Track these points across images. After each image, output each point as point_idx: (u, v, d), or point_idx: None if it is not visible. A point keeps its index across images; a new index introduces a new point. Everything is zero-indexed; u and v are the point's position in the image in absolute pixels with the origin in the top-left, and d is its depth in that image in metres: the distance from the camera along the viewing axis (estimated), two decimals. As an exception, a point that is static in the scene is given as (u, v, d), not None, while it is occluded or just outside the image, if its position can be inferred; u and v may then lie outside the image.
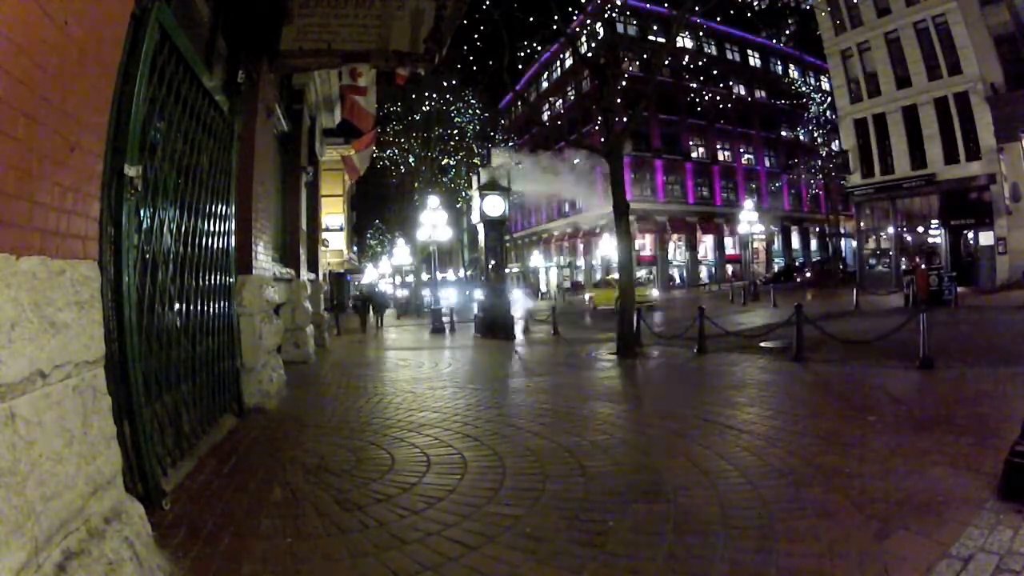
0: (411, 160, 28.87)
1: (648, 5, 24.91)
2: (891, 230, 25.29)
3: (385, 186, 33.81)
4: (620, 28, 24.96)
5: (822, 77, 39.53)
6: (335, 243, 20.65)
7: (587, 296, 25.75)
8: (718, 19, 33.97)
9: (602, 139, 9.64)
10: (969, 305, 14.71)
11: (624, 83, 13.16)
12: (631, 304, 8.92)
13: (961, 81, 21.40)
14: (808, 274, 32.77)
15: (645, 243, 38.90)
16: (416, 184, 28.65)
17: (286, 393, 5.85)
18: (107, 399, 2.07)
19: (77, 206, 1.95)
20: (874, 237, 26.82)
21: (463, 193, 30.20)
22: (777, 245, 44.60)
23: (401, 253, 34.11)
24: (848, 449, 3.46)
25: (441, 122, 28.55)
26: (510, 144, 35.22)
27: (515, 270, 51.62)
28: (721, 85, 38.11)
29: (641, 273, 34.64)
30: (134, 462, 2.53)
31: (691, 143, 40.52)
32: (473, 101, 29.79)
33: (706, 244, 41.75)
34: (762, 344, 8.87)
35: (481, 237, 13.32)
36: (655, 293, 24.84)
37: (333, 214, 19.92)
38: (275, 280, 6.39)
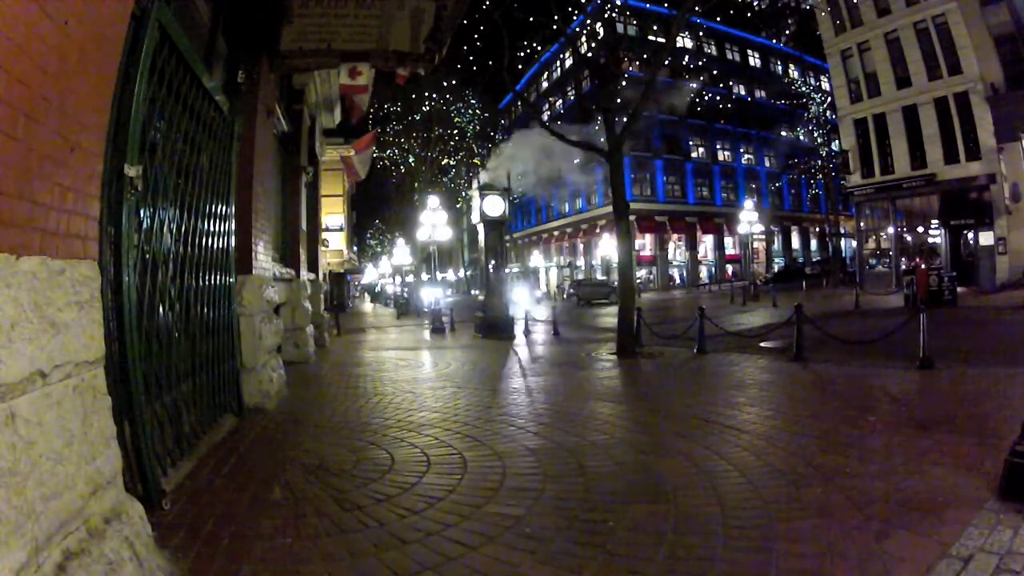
0: (411, 160, 28.88)
1: (648, 5, 24.94)
2: (891, 230, 25.30)
3: (385, 186, 33.83)
4: (620, 28, 24.97)
5: (822, 77, 39.58)
6: (335, 243, 20.68)
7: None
8: (718, 19, 34.08)
9: (602, 139, 9.64)
10: (969, 305, 14.72)
11: (624, 83, 13.16)
12: (631, 304, 8.92)
13: (961, 81, 21.40)
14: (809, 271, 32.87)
15: (645, 243, 38.93)
16: (416, 184, 28.66)
17: (286, 393, 5.85)
18: (107, 399, 2.08)
19: (77, 206, 1.95)
20: (874, 237, 26.83)
21: (463, 193, 30.23)
22: (777, 245, 44.63)
23: (401, 253, 34.13)
24: (848, 449, 3.46)
25: (441, 122, 28.56)
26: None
27: (515, 270, 51.65)
28: (721, 85, 38.14)
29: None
30: (134, 462, 2.53)
31: (691, 143, 40.54)
32: (473, 101, 29.79)
33: (706, 244, 41.78)
34: (762, 344, 8.88)
35: (481, 237, 13.32)
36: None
37: (333, 214, 19.95)
38: (275, 280, 6.39)
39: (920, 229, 24.55)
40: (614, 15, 15.34)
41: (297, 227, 8.94)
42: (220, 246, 4.31)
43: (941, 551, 2.15)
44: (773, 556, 2.21)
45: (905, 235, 25.19)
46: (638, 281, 33.22)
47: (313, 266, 10.64)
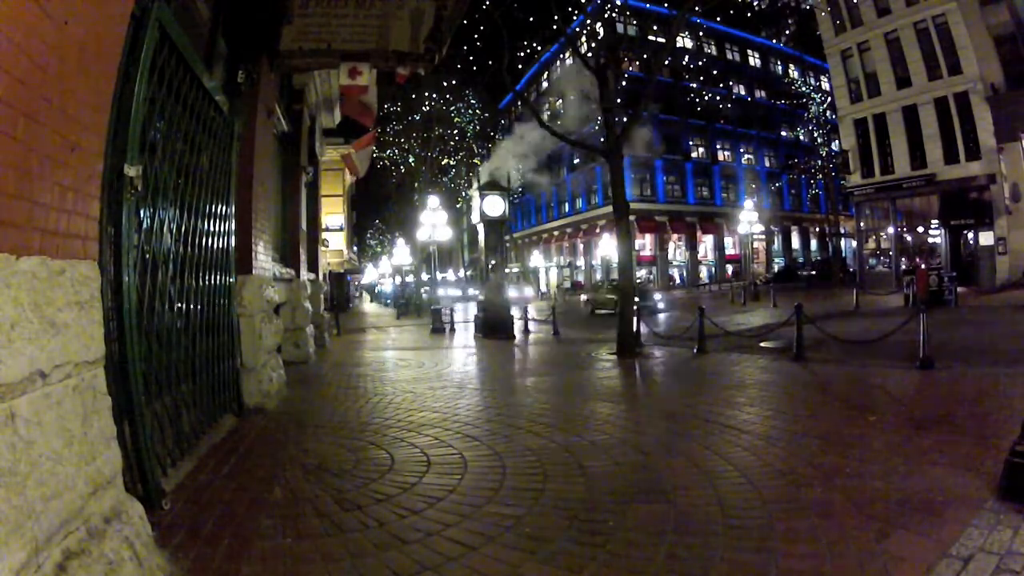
0: (411, 160, 28.88)
1: (648, 5, 24.94)
2: (891, 230, 25.30)
3: (385, 186, 33.82)
4: (620, 28, 24.94)
5: (822, 77, 39.57)
6: (335, 243, 20.67)
7: (583, 297, 23.71)
8: (718, 19, 34.08)
9: (602, 139, 9.65)
10: (969, 305, 14.71)
11: (624, 83, 13.17)
12: (631, 304, 8.93)
13: (961, 81, 21.40)
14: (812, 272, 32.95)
15: (645, 243, 38.92)
16: (416, 184, 28.67)
17: (286, 393, 5.85)
18: (107, 399, 2.07)
19: (77, 206, 1.96)
20: (874, 237, 26.82)
21: (463, 193, 30.25)
22: (777, 245, 44.62)
23: (401, 253, 34.13)
24: (848, 449, 3.46)
25: (441, 122, 28.56)
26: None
27: (515, 270, 51.62)
28: (721, 85, 38.13)
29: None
30: (134, 462, 2.53)
31: (691, 143, 40.54)
32: (473, 101, 29.79)
33: (706, 244, 41.77)
34: (762, 344, 8.88)
35: (481, 237, 13.33)
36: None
37: (333, 214, 19.95)
38: (275, 280, 6.39)
39: (920, 229, 24.55)
40: (614, 15, 15.32)
41: (297, 227, 8.94)
42: (220, 246, 4.31)
43: (941, 551, 2.16)
44: (773, 556, 2.21)
45: (905, 235, 25.19)
46: (638, 281, 33.27)
47: (313, 266, 10.64)
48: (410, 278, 34.91)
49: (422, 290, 29.31)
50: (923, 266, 16.91)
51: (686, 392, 5.71)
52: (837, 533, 2.36)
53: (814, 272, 32.76)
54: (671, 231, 39.18)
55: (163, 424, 3.09)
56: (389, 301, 36.16)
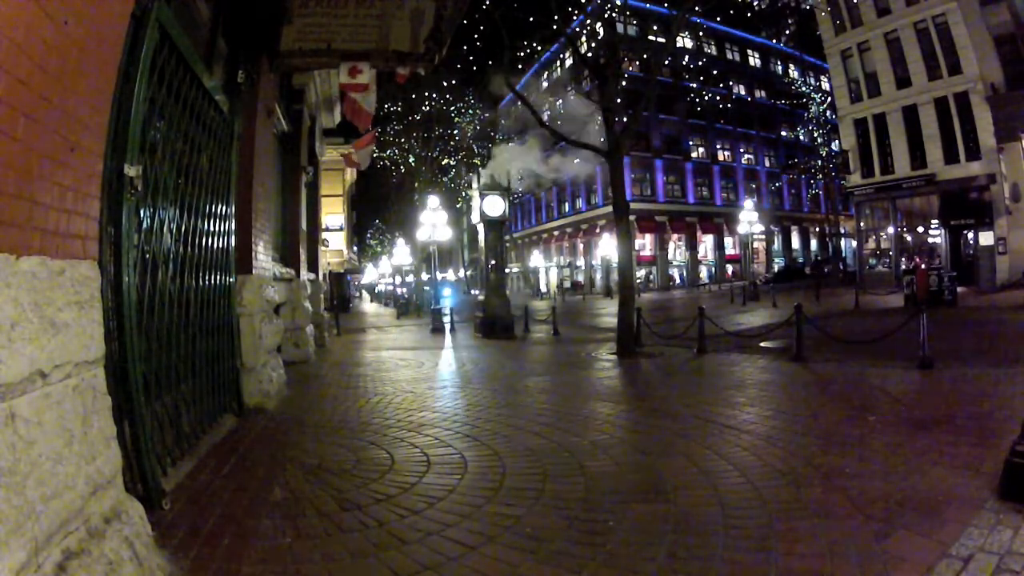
0: (411, 160, 28.88)
1: (648, 5, 24.94)
2: (891, 230, 25.30)
3: (385, 186, 33.83)
4: (620, 28, 24.93)
5: (822, 77, 39.60)
6: (335, 243, 20.68)
7: None
8: (718, 19, 34.12)
9: (602, 139, 9.65)
10: (969, 305, 14.71)
11: (624, 83, 13.18)
12: (631, 304, 8.93)
13: (961, 81, 21.41)
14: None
15: (645, 243, 38.94)
16: (416, 184, 28.66)
17: (286, 393, 5.85)
18: (107, 399, 2.08)
19: (77, 206, 1.96)
20: (874, 237, 26.82)
21: (463, 193, 30.24)
22: (777, 245, 44.64)
23: (401, 253, 34.13)
24: (848, 449, 3.46)
25: (441, 122, 28.56)
26: (510, 144, 35.23)
27: (515, 270, 51.64)
28: (721, 85, 38.15)
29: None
30: (134, 462, 2.53)
31: (691, 143, 40.54)
32: (473, 101, 29.80)
33: (706, 244, 41.78)
34: (762, 344, 8.87)
35: (481, 237, 13.32)
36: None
37: (333, 214, 19.95)
38: (275, 280, 6.39)
39: (920, 229, 24.56)
40: (614, 15, 15.33)
41: (297, 227, 8.94)
42: (220, 246, 4.31)
43: (941, 551, 2.16)
44: (773, 556, 2.21)
45: (905, 235, 25.20)
46: (638, 281, 33.24)
47: (313, 266, 10.64)
48: (410, 278, 34.90)
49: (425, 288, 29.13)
50: (923, 266, 16.90)
51: (686, 392, 5.71)
52: (837, 533, 2.36)
53: (823, 271, 32.73)
54: (671, 231, 39.20)
55: (163, 424, 3.09)
56: (389, 301, 36.06)
